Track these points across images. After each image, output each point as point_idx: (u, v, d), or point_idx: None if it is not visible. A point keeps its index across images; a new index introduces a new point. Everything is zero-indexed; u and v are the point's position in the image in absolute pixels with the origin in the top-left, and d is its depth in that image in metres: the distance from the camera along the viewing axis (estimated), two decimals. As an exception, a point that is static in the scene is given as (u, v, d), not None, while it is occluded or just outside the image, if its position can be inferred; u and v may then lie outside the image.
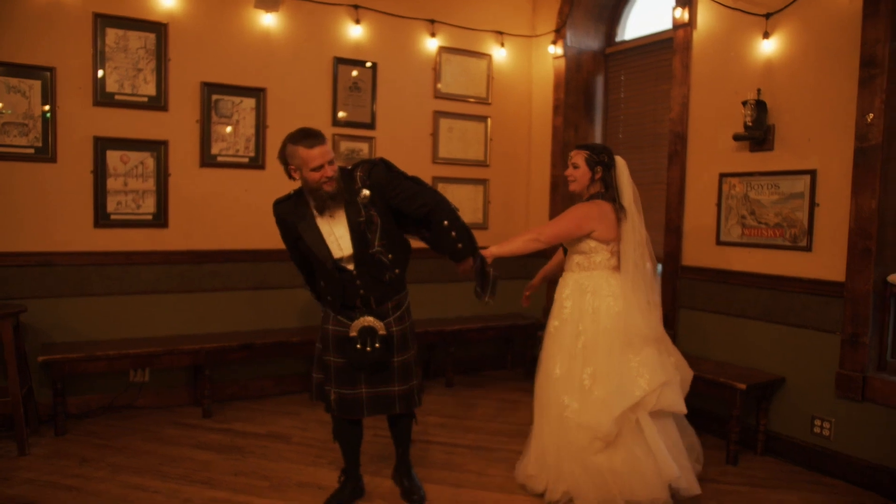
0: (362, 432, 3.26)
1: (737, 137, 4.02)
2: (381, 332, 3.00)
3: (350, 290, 3.00)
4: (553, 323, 3.38)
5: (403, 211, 3.02)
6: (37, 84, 4.05)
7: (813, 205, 3.77)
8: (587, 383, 3.18)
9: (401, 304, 3.12)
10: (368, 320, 2.99)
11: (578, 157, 3.44)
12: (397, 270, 3.06)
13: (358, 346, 2.97)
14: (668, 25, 4.85)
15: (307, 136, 2.86)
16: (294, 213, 3.01)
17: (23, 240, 4.09)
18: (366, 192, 2.91)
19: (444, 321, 5.27)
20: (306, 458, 3.74)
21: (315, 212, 2.97)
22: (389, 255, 3.01)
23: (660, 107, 4.98)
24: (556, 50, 5.43)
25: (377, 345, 2.98)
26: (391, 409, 3.11)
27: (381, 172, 2.99)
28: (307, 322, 4.89)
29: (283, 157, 2.95)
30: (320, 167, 2.84)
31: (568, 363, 3.25)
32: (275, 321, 4.81)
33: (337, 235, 2.95)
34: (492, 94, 5.56)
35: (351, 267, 2.98)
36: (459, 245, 3.04)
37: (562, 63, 5.40)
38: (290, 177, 2.98)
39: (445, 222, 3.01)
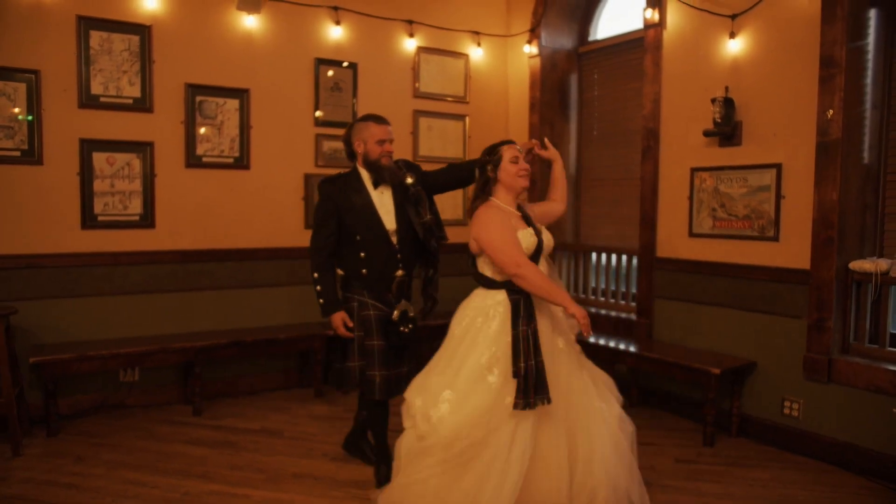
0: (388, 415, 3.51)
1: (707, 133, 4.21)
2: (412, 313, 3.35)
3: (391, 263, 3.32)
4: (560, 340, 3.01)
5: (437, 182, 3.47)
6: (21, 87, 4.07)
7: (779, 197, 3.97)
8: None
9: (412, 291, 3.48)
10: (405, 304, 3.33)
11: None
12: (435, 242, 3.40)
13: (401, 328, 3.28)
14: (638, 25, 5.03)
15: (378, 117, 3.42)
16: (346, 189, 3.34)
17: (10, 242, 4.12)
18: (410, 177, 3.39)
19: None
20: (299, 451, 3.84)
21: (370, 186, 3.31)
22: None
23: (631, 104, 5.16)
24: (531, 49, 5.57)
25: (410, 325, 3.31)
26: (402, 390, 3.26)
27: (414, 165, 3.46)
28: (293, 319, 4.98)
29: (349, 135, 3.40)
30: (383, 142, 3.33)
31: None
32: (262, 319, 4.88)
33: (386, 209, 3.33)
34: (469, 93, 5.69)
35: (395, 241, 3.33)
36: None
37: (537, 62, 5.55)
38: (351, 156, 3.44)
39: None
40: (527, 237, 2.90)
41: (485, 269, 2.94)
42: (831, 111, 3.67)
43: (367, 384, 3.29)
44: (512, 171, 2.96)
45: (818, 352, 3.78)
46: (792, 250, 3.92)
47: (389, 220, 3.33)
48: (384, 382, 3.29)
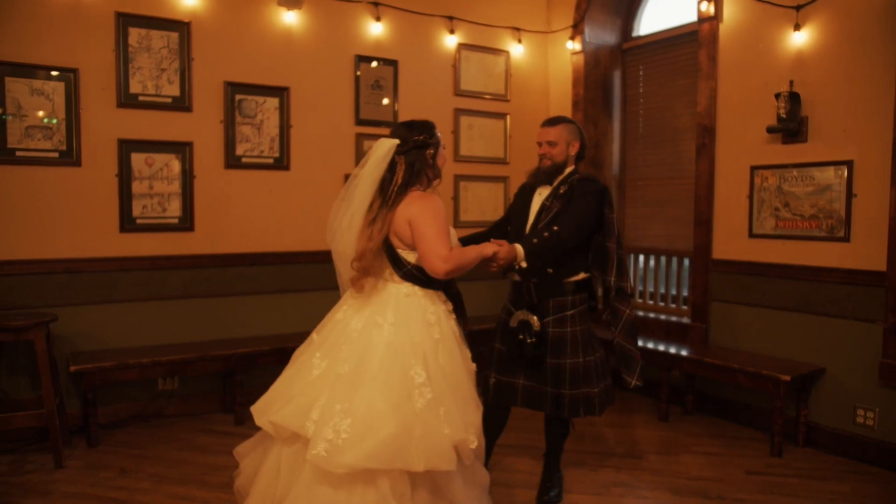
0: (505, 424, 3.32)
1: (770, 129, 4.03)
2: (536, 327, 3.05)
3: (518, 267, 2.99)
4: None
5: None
6: (60, 86, 3.94)
7: (850, 195, 3.79)
8: None
9: (563, 307, 3.11)
10: (527, 314, 3.07)
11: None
12: (549, 270, 3.05)
13: (520, 336, 3.06)
14: (684, 20, 4.88)
15: (547, 119, 3.29)
16: (528, 183, 3.31)
17: (49, 246, 3.98)
18: (564, 188, 3.13)
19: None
20: (350, 463, 3.68)
21: (539, 186, 3.23)
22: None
23: (679, 101, 4.99)
24: (574, 45, 5.41)
25: (533, 339, 3.04)
26: (543, 408, 3.13)
27: (590, 189, 3.09)
28: (334, 324, 4.82)
29: None
30: (540, 144, 3.22)
31: None
32: (302, 324, 4.69)
33: (533, 211, 3.18)
34: (510, 91, 5.53)
35: None
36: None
37: (580, 58, 5.39)
38: None
39: (535, 240, 2.97)
40: (453, 235, 2.70)
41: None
42: (910, 104, 3.49)
43: (482, 384, 3.15)
44: (444, 158, 2.72)
45: (896, 358, 3.59)
46: (865, 251, 3.73)
47: (531, 222, 3.15)
48: (497, 386, 3.18)
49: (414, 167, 2.56)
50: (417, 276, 2.56)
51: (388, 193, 2.54)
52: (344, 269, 2.64)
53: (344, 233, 2.60)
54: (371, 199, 2.56)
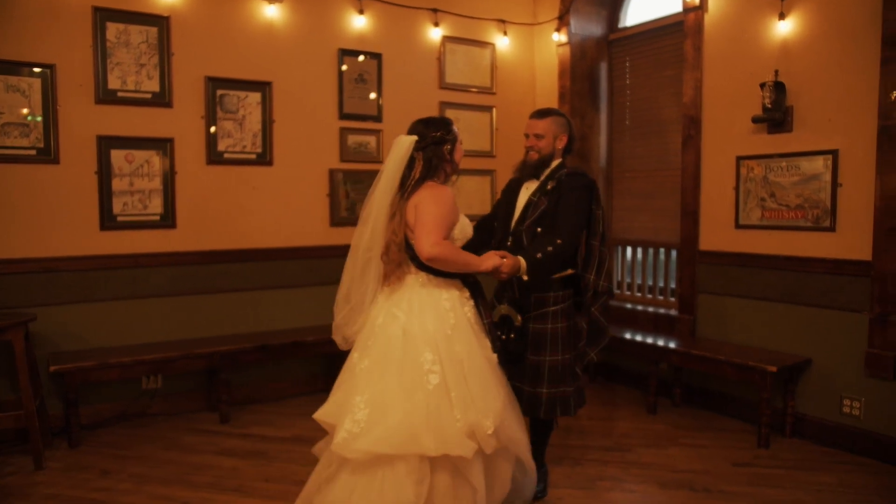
0: None
1: (756, 119, 4.01)
2: (517, 322, 2.99)
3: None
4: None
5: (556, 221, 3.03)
6: (36, 82, 3.87)
7: (835, 185, 3.77)
8: None
9: (545, 303, 3.03)
10: (509, 309, 3.01)
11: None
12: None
13: (497, 331, 2.97)
14: (669, 11, 4.84)
15: (536, 111, 3.23)
16: (518, 179, 3.22)
17: (27, 245, 3.92)
18: (552, 184, 3.06)
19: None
20: (335, 460, 3.65)
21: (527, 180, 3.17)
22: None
23: (665, 92, 4.96)
24: (560, 37, 5.36)
25: (512, 335, 2.98)
26: (521, 408, 3.02)
27: (578, 184, 3.04)
28: (321, 321, 4.77)
29: None
30: (527, 136, 3.14)
31: None
32: (288, 321, 4.69)
33: (519, 206, 3.11)
34: (496, 84, 5.49)
35: (511, 239, 3.07)
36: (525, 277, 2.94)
37: (566, 50, 5.35)
38: None
39: (539, 255, 2.90)
40: (466, 227, 2.79)
41: None
42: (895, 93, 3.46)
43: None
44: (461, 153, 2.82)
45: (882, 348, 3.58)
46: (850, 241, 3.72)
47: (516, 217, 3.09)
48: None
49: (432, 163, 2.67)
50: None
51: (406, 187, 2.66)
52: (374, 263, 2.71)
53: (367, 227, 2.68)
54: (392, 195, 2.66)
